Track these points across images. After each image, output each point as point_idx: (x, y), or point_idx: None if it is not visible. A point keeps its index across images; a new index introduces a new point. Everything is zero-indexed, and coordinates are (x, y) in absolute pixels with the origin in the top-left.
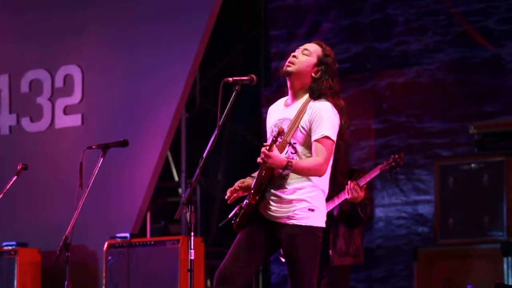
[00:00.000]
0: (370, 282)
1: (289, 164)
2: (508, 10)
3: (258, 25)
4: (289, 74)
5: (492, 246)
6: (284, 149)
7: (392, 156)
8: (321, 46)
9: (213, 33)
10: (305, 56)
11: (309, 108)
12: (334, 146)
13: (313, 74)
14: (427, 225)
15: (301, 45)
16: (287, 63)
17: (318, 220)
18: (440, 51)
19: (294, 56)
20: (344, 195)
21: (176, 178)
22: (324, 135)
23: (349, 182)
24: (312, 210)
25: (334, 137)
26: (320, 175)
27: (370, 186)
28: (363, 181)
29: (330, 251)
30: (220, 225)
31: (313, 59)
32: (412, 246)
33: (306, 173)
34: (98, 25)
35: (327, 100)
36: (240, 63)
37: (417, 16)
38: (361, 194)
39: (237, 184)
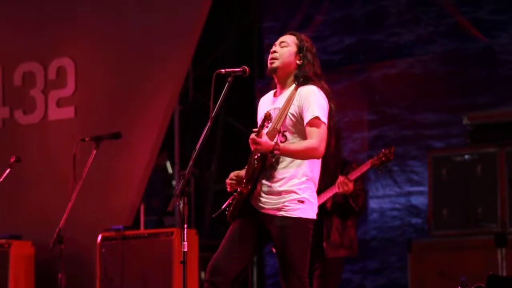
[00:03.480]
0: (364, 273)
1: (276, 147)
2: (500, 1)
3: (251, 17)
4: (276, 69)
5: (485, 237)
6: (274, 137)
7: (383, 150)
8: (295, 35)
9: (206, 24)
10: (285, 47)
11: (297, 94)
12: (326, 128)
13: (297, 62)
14: (420, 217)
15: None
16: (270, 61)
17: (308, 211)
18: (432, 43)
19: (275, 52)
20: (335, 189)
21: (170, 170)
22: (314, 116)
23: (339, 176)
24: (302, 201)
25: (325, 119)
26: (317, 155)
27: (363, 177)
28: (353, 176)
29: (324, 244)
30: (213, 215)
31: (293, 48)
32: (406, 237)
33: (300, 155)
34: (90, 18)
35: (314, 84)
36: (233, 55)
37: (409, 7)
38: (351, 187)
39: (232, 174)
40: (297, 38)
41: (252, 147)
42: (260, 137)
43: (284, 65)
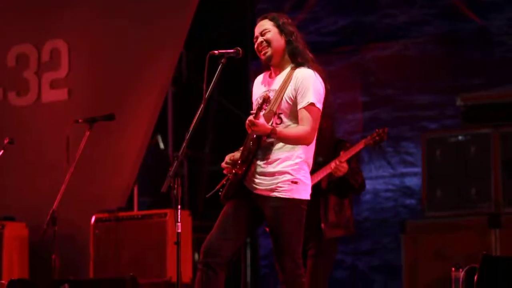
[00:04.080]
0: (357, 254)
1: (273, 131)
2: None
3: None
4: (271, 57)
5: (479, 218)
6: (270, 119)
7: (376, 130)
8: (266, 17)
9: (199, 6)
10: (268, 33)
11: (294, 77)
12: (320, 114)
13: (285, 39)
14: (414, 198)
15: None
16: (262, 52)
17: (302, 192)
18: (427, 24)
19: (262, 42)
20: (329, 169)
21: (162, 145)
22: (309, 102)
23: (331, 163)
24: (296, 182)
25: (320, 105)
26: (307, 143)
27: (358, 158)
28: (346, 156)
29: (322, 224)
30: (207, 196)
31: (275, 29)
32: (400, 218)
33: (292, 141)
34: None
35: (310, 67)
36: (227, 37)
37: None
38: (346, 166)
39: (228, 158)
40: (271, 19)
41: (249, 129)
42: (258, 119)
43: (276, 49)
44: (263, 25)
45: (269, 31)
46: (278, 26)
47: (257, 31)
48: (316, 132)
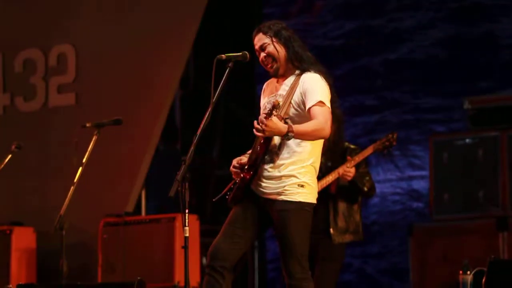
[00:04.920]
0: (365, 257)
1: (290, 129)
2: None
3: (251, 3)
4: (278, 69)
5: (487, 221)
6: None
7: (386, 135)
8: (261, 30)
9: (206, 10)
10: (269, 46)
11: (300, 82)
12: (330, 111)
13: (285, 46)
14: (422, 201)
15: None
16: (268, 66)
17: (308, 196)
18: (433, 27)
19: (265, 56)
20: (337, 174)
21: None
22: (318, 100)
23: (338, 169)
24: (302, 186)
25: (328, 104)
26: (325, 134)
27: (367, 161)
28: (353, 162)
29: (331, 229)
30: (214, 199)
31: (273, 41)
32: (407, 221)
33: (310, 135)
34: (91, 4)
35: (317, 72)
36: (234, 41)
37: None
38: (353, 171)
39: (235, 162)
40: (266, 31)
41: (259, 133)
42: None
43: (281, 60)
44: (260, 39)
45: (268, 44)
46: (274, 36)
47: (256, 45)
48: (330, 124)
